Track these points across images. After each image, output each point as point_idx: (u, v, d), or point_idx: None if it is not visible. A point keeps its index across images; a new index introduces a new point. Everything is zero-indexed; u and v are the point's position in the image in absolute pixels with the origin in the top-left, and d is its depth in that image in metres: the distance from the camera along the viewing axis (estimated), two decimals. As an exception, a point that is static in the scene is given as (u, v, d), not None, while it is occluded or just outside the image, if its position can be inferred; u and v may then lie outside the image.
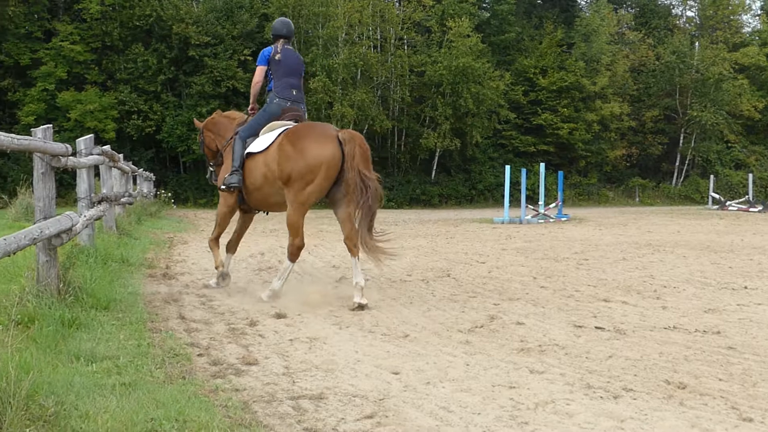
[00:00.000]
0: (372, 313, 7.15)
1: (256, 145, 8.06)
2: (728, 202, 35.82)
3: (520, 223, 22.84)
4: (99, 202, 10.56)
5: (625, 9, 55.80)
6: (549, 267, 11.10)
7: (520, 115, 45.65)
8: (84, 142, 9.79)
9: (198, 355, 5.34)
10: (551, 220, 24.23)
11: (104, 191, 12.14)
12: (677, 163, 50.49)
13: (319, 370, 5.01)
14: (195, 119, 10.36)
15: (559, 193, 26.28)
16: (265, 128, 8.17)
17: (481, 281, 9.52)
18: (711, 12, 51.96)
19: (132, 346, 5.38)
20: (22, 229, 5.39)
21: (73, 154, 7.58)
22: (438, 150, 42.27)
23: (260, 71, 8.46)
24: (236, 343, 5.76)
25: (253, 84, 8.63)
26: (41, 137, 6.35)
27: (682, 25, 55.50)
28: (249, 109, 8.89)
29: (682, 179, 50.39)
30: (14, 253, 4.77)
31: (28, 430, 3.41)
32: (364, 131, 40.50)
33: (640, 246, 14.65)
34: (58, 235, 6.19)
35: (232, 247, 9.05)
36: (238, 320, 6.72)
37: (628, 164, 49.67)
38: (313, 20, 40.24)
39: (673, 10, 56.39)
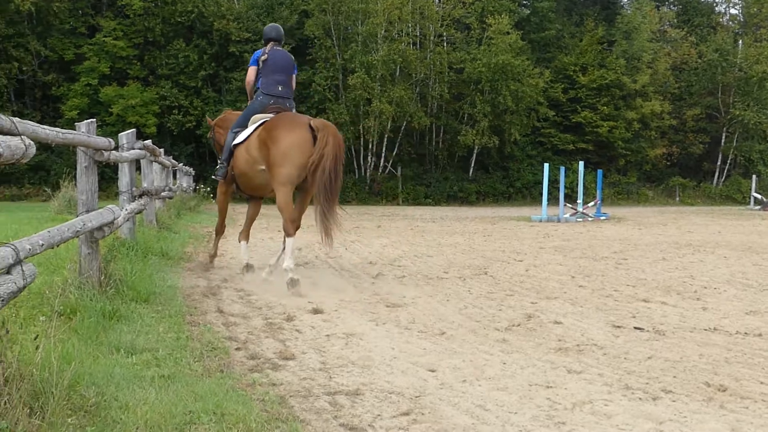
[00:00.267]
0: (408, 310, 7.15)
1: (241, 137, 8.90)
2: (771, 203, 35.29)
3: (558, 221, 22.69)
4: (140, 196, 10.67)
5: (668, 6, 55.15)
6: (587, 266, 11.01)
7: (560, 112, 45.31)
8: (126, 136, 9.89)
9: (236, 349, 5.38)
10: (590, 218, 24.04)
11: (145, 185, 12.27)
12: (719, 163, 49.82)
13: (356, 366, 5.02)
14: (207, 117, 11.29)
15: (598, 192, 26.05)
16: (250, 121, 8.92)
17: (519, 279, 9.47)
18: (755, 10, 51.12)
19: (171, 339, 5.43)
20: (65, 221, 5.47)
21: (115, 148, 7.67)
22: (476, 147, 42.13)
23: (251, 71, 9.21)
24: (273, 338, 5.79)
25: (246, 83, 9.41)
26: (85, 131, 6.43)
27: (725, 23, 54.70)
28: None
29: (723, 179, 49.73)
30: (58, 246, 4.84)
31: (69, 419, 3.46)
32: (402, 128, 40.57)
33: (680, 246, 14.48)
34: (100, 228, 6.27)
35: (244, 235, 9.60)
36: (276, 315, 6.76)
37: (668, 163, 49.11)
38: (353, 17, 40.32)
39: (716, 8, 55.65)
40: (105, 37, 38.09)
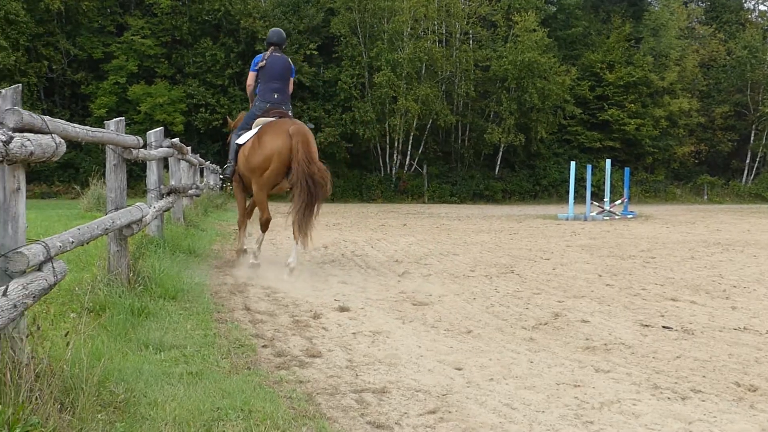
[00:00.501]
0: (435, 309, 7.14)
1: (242, 139, 9.52)
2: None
3: (585, 219, 22.57)
4: (168, 194, 10.74)
5: (695, 3, 54.67)
6: (615, 265, 10.94)
7: (586, 110, 45.07)
8: (154, 134, 9.96)
9: (263, 346, 5.40)
10: (617, 217, 23.88)
11: (173, 183, 12.35)
12: (748, 161, 49.32)
13: (382, 364, 5.02)
14: (227, 117, 11.85)
15: (625, 190, 25.89)
16: (254, 124, 9.51)
17: (546, 278, 9.43)
18: (786, 6, 50.59)
19: (199, 336, 5.47)
20: (95, 219, 5.52)
21: (144, 146, 7.72)
22: (502, 145, 42.03)
23: (251, 76, 9.84)
24: (300, 336, 5.81)
25: (246, 86, 10.07)
26: (114, 130, 6.48)
27: (754, 20, 54.14)
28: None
29: (752, 177, 49.22)
30: (87, 243, 4.88)
31: (99, 415, 3.49)
32: (428, 126, 40.54)
33: (709, 245, 14.35)
34: (129, 225, 6.32)
35: (247, 226, 10.51)
36: (302, 313, 6.77)
37: (696, 161, 48.70)
38: (379, 15, 40.33)
39: (744, 4, 55.08)
40: (133, 35, 38.45)
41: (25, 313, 3.44)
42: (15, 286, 3.15)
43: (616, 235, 16.57)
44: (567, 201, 24.81)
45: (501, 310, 7.18)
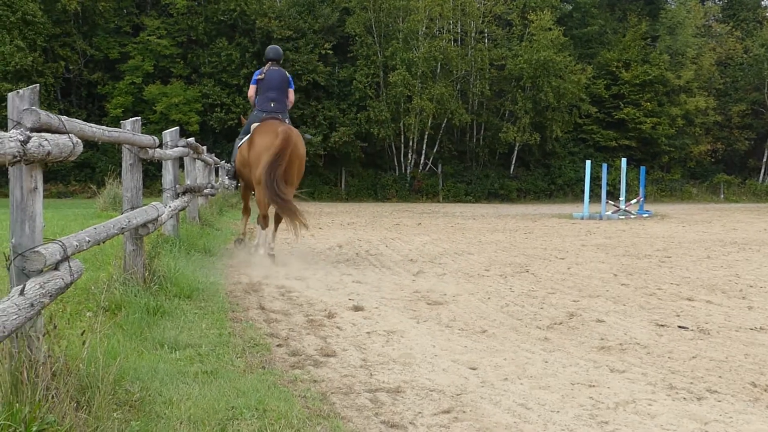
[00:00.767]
0: (449, 308, 7.14)
1: (240, 141, 10.54)
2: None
3: (600, 219, 22.49)
4: (183, 193, 10.78)
5: (712, 1, 54.36)
6: (630, 264, 10.90)
7: (602, 109, 44.90)
8: (170, 134, 9.99)
9: (277, 345, 5.42)
10: (632, 216, 23.78)
11: (188, 182, 12.40)
12: (765, 159, 49.01)
13: (397, 364, 5.02)
14: (242, 117, 13.04)
15: (641, 189, 25.77)
16: (252, 128, 10.31)
17: (560, 277, 9.40)
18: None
19: (214, 335, 5.49)
20: (111, 218, 5.54)
21: (159, 146, 7.75)
22: (517, 144, 41.96)
23: (252, 89, 10.76)
24: (314, 335, 5.82)
25: (248, 98, 11.10)
26: (130, 129, 6.52)
27: (772, 18, 53.77)
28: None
29: (770, 176, 48.92)
30: (103, 242, 4.91)
31: (115, 413, 3.51)
32: (443, 125, 40.50)
33: (725, 244, 14.27)
34: (144, 224, 6.35)
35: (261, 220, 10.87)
36: (317, 312, 6.78)
37: (713, 160, 48.44)
38: (394, 14, 40.34)
39: (762, 2, 54.65)
40: (149, 35, 38.63)
41: (42, 312, 3.46)
42: (32, 285, 3.18)
43: (632, 235, 16.51)
44: (582, 200, 24.72)
45: (516, 309, 7.16)
